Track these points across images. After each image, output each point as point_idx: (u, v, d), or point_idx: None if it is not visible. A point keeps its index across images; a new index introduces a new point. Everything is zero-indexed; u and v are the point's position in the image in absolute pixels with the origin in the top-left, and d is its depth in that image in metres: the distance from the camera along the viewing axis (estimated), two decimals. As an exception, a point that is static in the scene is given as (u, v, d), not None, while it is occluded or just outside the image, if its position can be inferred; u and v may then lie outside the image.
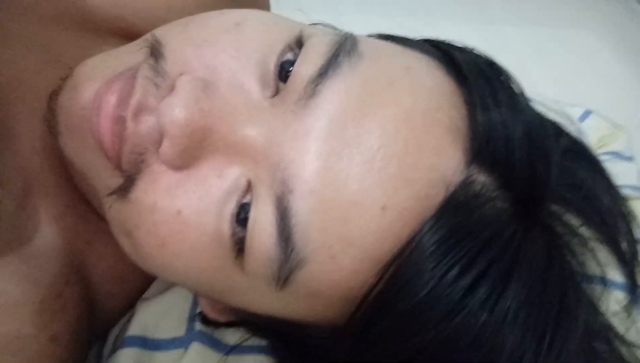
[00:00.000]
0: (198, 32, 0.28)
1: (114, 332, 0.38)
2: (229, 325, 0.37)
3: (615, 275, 0.36)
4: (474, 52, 0.33)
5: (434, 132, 0.26)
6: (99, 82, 0.28)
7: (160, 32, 0.29)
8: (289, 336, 0.33)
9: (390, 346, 0.26)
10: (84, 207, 0.34)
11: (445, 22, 0.82)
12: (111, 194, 0.28)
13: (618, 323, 0.33)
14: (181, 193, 0.26)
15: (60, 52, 0.36)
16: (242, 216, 0.26)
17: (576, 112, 0.61)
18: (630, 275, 0.35)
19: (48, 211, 0.32)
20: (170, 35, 0.29)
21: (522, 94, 0.31)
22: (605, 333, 0.32)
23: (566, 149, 0.38)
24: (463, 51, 0.32)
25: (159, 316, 0.37)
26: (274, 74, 0.27)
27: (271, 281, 0.26)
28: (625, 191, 0.52)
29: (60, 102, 0.29)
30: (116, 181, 0.27)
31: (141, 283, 0.40)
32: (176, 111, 0.25)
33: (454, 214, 0.25)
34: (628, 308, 0.35)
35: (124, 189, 0.27)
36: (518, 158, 0.27)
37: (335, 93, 0.25)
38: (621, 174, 0.54)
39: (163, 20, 0.36)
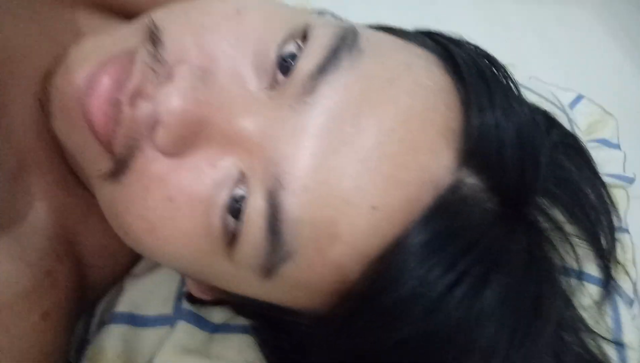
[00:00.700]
0: (197, 19, 0.28)
1: (102, 305, 0.38)
2: (214, 303, 0.37)
3: (592, 269, 0.37)
4: (472, 47, 0.33)
5: (429, 133, 0.26)
6: (93, 64, 0.27)
7: (159, 17, 0.28)
8: (272, 319, 0.34)
9: (370, 338, 0.27)
10: (75, 183, 0.34)
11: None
12: (102, 176, 0.27)
13: (589, 316, 0.35)
14: (174, 180, 0.26)
15: (56, 30, 0.35)
16: (233, 207, 0.26)
17: (569, 97, 0.61)
18: (605, 270, 0.37)
19: (40, 188, 0.32)
20: (169, 21, 0.28)
21: (517, 90, 0.31)
22: (575, 325, 0.33)
23: (557, 142, 0.39)
24: (462, 46, 0.32)
25: (147, 294, 0.37)
26: (273, 65, 0.27)
27: (258, 271, 0.26)
28: (609, 180, 0.53)
29: (54, 82, 0.29)
30: (106, 164, 0.27)
31: (131, 258, 0.40)
32: (173, 100, 0.24)
33: (440, 217, 0.25)
34: (599, 303, 0.36)
35: (116, 172, 0.27)
36: (509, 161, 0.27)
37: (334, 90, 0.25)
38: (607, 162, 0.55)
39: None
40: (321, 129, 0.25)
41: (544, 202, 0.35)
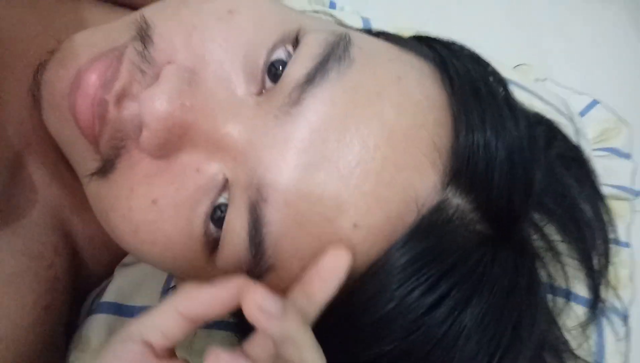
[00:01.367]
0: (189, 18, 0.27)
1: (93, 293, 0.39)
2: None
3: (581, 289, 0.37)
4: (471, 56, 0.32)
5: (414, 151, 0.26)
6: (83, 59, 0.27)
7: (149, 14, 0.28)
8: None
9: (346, 353, 0.27)
10: (69, 175, 0.35)
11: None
12: (90, 174, 0.28)
13: (572, 338, 0.35)
14: (158, 182, 0.26)
15: (55, 21, 0.35)
16: (216, 215, 0.26)
17: (584, 101, 0.59)
18: (594, 291, 0.36)
19: (37, 180, 0.33)
20: (160, 18, 0.28)
21: (513, 103, 0.30)
22: (558, 346, 0.33)
23: (559, 154, 0.38)
24: (460, 56, 0.31)
25: (135, 285, 0.38)
26: (262, 70, 0.26)
27: None
28: (614, 191, 0.51)
29: (45, 77, 0.29)
30: (93, 162, 0.28)
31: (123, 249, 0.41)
32: (157, 103, 0.24)
33: (423, 238, 0.25)
34: (584, 324, 0.36)
35: (103, 170, 0.27)
36: (497, 182, 0.27)
37: (320, 102, 0.25)
38: (615, 172, 0.54)
39: None
40: (304, 142, 0.24)
41: (539, 218, 0.34)
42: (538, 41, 0.69)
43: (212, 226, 0.26)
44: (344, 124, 0.25)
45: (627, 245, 0.50)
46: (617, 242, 0.46)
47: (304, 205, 0.24)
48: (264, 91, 0.26)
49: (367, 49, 0.28)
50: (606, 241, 0.37)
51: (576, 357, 0.34)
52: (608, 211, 0.40)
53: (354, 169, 0.24)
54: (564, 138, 0.40)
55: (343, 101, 0.25)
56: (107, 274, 0.40)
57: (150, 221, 0.26)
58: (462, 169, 0.26)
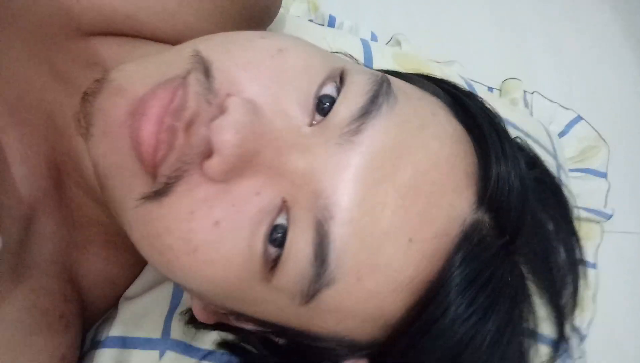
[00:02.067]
0: (242, 54, 0.28)
1: (94, 327, 0.41)
2: (215, 327, 0.39)
3: (546, 329, 0.40)
4: (480, 99, 0.36)
5: (454, 175, 0.29)
6: (142, 88, 0.28)
7: (203, 49, 0.29)
8: (283, 344, 0.36)
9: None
10: (78, 215, 0.35)
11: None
12: (141, 198, 0.28)
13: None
14: (219, 205, 0.27)
15: (62, 66, 0.34)
16: (275, 236, 0.28)
17: (568, 116, 0.62)
18: (559, 332, 0.40)
19: (46, 229, 0.33)
20: (216, 55, 0.28)
21: (515, 141, 0.35)
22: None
23: (537, 179, 0.41)
24: (472, 97, 0.35)
25: (139, 317, 0.40)
26: (313, 104, 0.28)
27: (298, 297, 0.28)
28: (587, 214, 0.55)
29: (98, 105, 0.29)
30: (143, 187, 0.28)
31: (127, 282, 0.42)
32: (231, 131, 0.25)
33: (471, 254, 0.29)
34: None
35: (159, 193, 0.27)
36: (514, 206, 0.31)
37: (377, 132, 0.27)
38: (590, 194, 0.57)
39: (172, 15, 0.35)
40: (365, 166, 0.27)
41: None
42: (527, 55, 0.70)
43: (271, 247, 0.28)
44: (398, 152, 0.28)
45: (594, 266, 0.54)
46: (584, 263, 0.49)
47: (366, 221, 0.27)
48: (314, 122, 0.28)
49: (402, 88, 0.31)
50: (576, 284, 0.40)
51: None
52: (582, 250, 0.43)
53: (408, 190, 0.27)
54: (542, 166, 0.43)
55: (395, 132, 0.28)
56: (111, 307, 0.41)
57: (211, 241, 0.27)
58: (491, 192, 0.30)
